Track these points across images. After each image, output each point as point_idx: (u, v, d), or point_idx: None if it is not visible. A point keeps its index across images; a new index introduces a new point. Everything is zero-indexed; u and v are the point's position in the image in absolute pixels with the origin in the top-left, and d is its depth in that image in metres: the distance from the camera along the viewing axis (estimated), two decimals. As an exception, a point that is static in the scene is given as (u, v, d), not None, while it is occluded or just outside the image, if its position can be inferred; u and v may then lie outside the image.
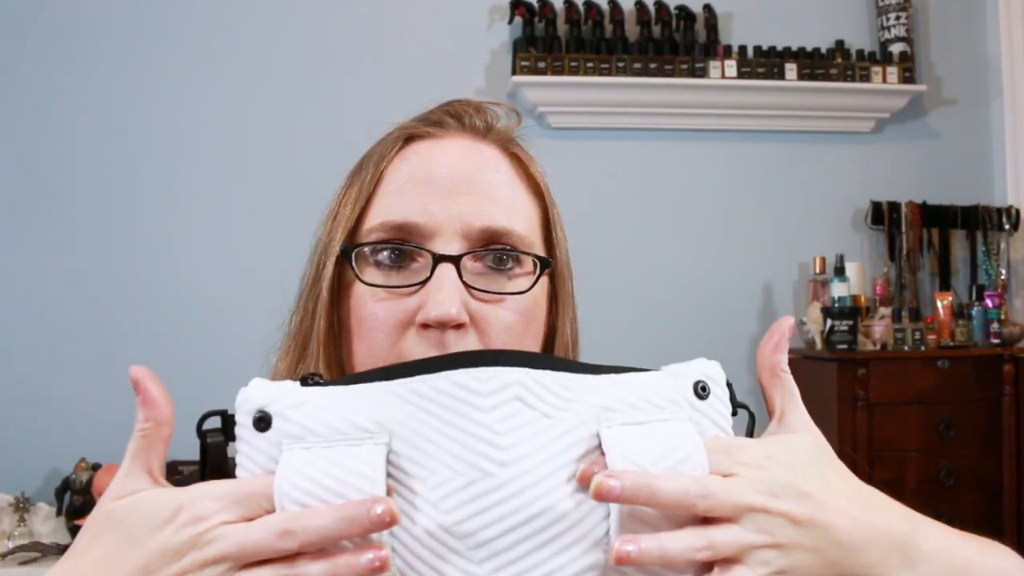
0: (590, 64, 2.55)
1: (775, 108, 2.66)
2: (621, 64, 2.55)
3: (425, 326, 0.58)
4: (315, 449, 0.44)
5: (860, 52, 2.69)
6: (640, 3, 2.60)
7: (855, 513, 0.47)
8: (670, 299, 2.64)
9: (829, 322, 2.41)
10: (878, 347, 2.43)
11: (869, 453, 2.31)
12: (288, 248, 2.90)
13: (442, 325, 0.58)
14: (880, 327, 2.45)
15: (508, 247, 0.62)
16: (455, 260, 0.60)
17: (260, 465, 0.45)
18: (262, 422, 0.46)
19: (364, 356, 0.61)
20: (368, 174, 0.64)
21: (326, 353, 0.63)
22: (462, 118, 0.67)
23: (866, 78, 2.65)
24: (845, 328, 2.39)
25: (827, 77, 2.63)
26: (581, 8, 2.59)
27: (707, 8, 2.65)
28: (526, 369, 0.46)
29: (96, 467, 2.23)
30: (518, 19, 2.58)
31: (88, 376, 2.40)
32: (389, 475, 0.45)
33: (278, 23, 2.58)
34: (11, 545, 2.14)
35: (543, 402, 0.46)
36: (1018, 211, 2.70)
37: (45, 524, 2.26)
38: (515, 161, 0.67)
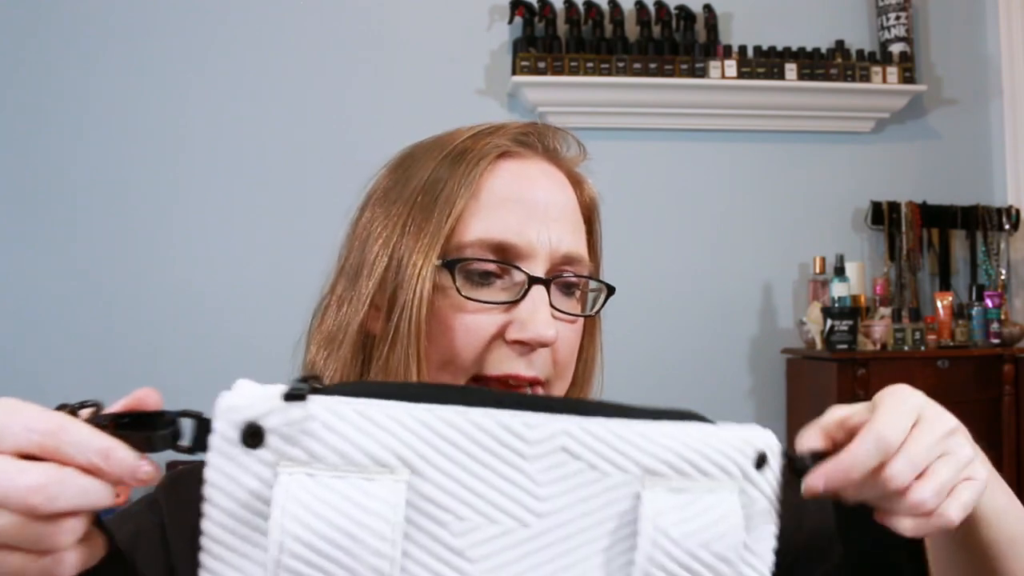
0: (590, 64, 2.55)
1: (775, 108, 2.66)
2: (621, 64, 2.56)
3: (517, 342, 0.62)
4: (320, 478, 0.39)
5: (860, 52, 2.69)
6: (640, 3, 2.61)
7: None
8: (670, 299, 2.64)
9: (829, 322, 2.41)
10: (878, 347, 2.43)
11: (869, 453, 2.30)
12: (288, 247, 2.88)
13: (541, 345, 0.62)
14: (880, 327, 2.45)
15: (577, 273, 0.67)
16: (547, 283, 0.64)
17: (244, 487, 0.39)
18: (253, 438, 0.39)
19: (442, 361, 0.63)
20: (456, 187, 0.65)
21: (417, 354, 0.62)
22: (544, 141, 0.71)
23: (866, 78, 2.65)
24: (845, 328, 2.39)
25: (827, 77, 2.63)
26: (581, 8, 2.59)
27: (707, 8, 2.65)
28: (577, 418, 0.44)
29: (96, 467, 2.23)
30: (518, 19, 2.58)
31: (88, 376, 2.40)
32: (407, 518, 0.40)
33: (278, 23, 2.58)
34: (11, 545, 2.14)
35: (591, 452, 0.44)
36: (1018, 211, 2.71)
37: (45, 524, 2.26)
38: (579, 191, 0.72)
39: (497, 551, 0.42)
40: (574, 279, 0.67)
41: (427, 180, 0.66)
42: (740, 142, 2.70)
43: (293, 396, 0.39)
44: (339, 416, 0.40)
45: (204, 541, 0.39)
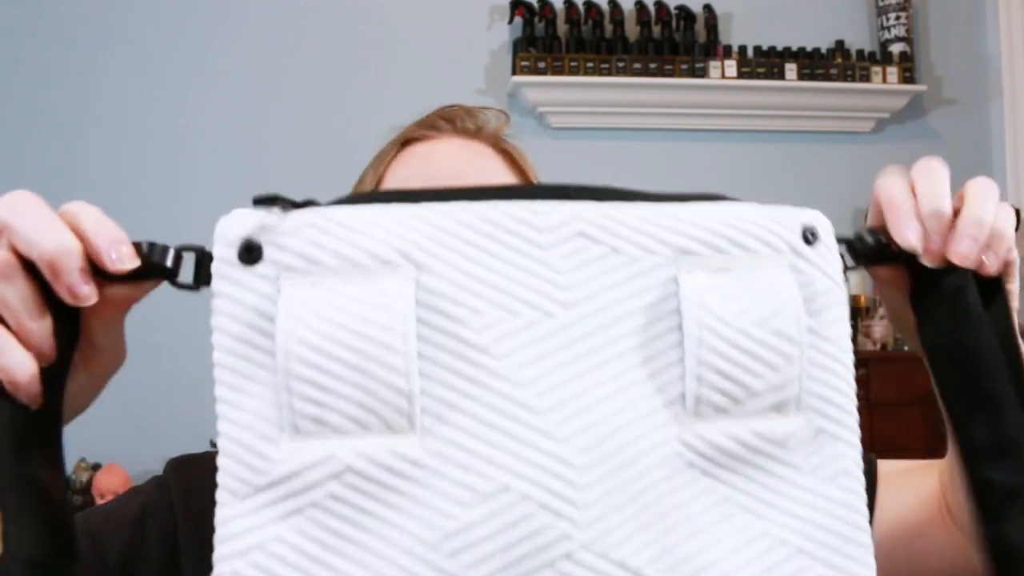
0: (590, 64, 2.55)
1: (775, 108, 2.66)
2: (621, 64, 2.55)
3: None
4: (324, 284, 0.37)
5: (860, 52, 2.69)
6: (640, 3, 2.60)
7: None
8: (670, 299, 2.64)
9: (829, 322, 2.41)
10: (878, 347, 2.43)
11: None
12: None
13: None
14: (880, 327, 2.45)
15: None
16: None
17: (248, 306, 0.37)
18: (250, 252, 0.37)
19: None
20: (368, 179, 0.69)
21: None
22: (454, 121, 0.71)
23: (866, 78, 2.65)
24: (845, 328, 2.40)
25: (827, 77, 2.63)
26: (581, 8, 2.59)
27: (707, 8, 2.65)
28: (591, 202, 0.40)
29: (96, 467, 2.23)
30: (518, 19, 2.58)
31: (88, 376, 2.40)
32: (420, 318, 0.37)
33: (278, 23, 2.58)
34: (11, 545, 2.14)
35: (612, 235, 0.40)
36: (1018, 211, 2.69)
37: (45, 524, 2.26)
38: (506, 156, 0.71)
39: (524, 345, 0.38)
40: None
41: (358, 180, 0.71)
42: (740, 142, 2.70)
43: (280, 204, 0.38)
44: (336, 221, 0.38)
45: (216, 371, 0.38)
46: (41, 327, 0.37)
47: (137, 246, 0.40)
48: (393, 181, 0.68)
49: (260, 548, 0.36)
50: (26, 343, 0.37)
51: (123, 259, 0.38)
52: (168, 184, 2.51)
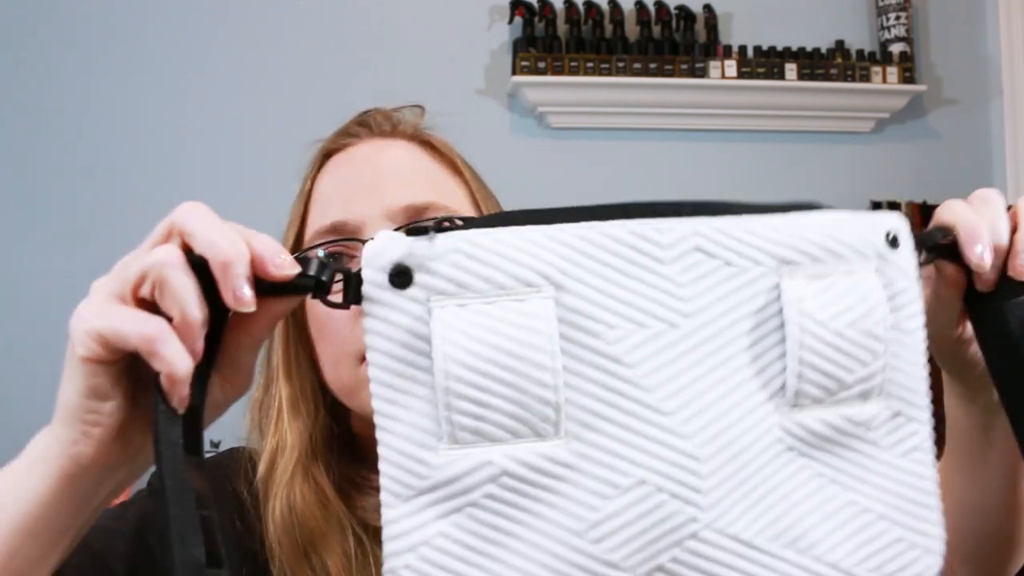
0: (590, 64, 2.55)
1: (775, 108, 2.66)
2: (621, 64, 2.56)
3: None
4: (472, 305, 0.40)
5: (860, 52, 2.69)
6: (640, 3, 2.61)
7: None
8: (670, 299, 2.64)
9: (829, 322, 2.41)
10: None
11: (869, 453, 2.30)
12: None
13: None
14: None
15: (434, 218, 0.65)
16: None
17: (401, 327, 0.40)
18: (401, 276, 0.40)
19: (329, 355, 0.65)
20: (299, 196, 0.71)
21: (285, 362, 0.67)
22: (370, 125, 0.73)
23: (866, 78, 2.65)
24: (845, 328, 2.40)
25: (827, 77, 2.63)
26: (581, 8, 2.59)
27: (707, 8, 2.65)
28: (706, 218, 0.44)
29: (96, 467, 2.23)
30: (518, 19, 2.58)
31: (88, 376, 2.39)
32: (561, 333, 0.41)
33: (278, 23, 2.58)
34: (11, 545, 2.14)
35: (725, 249, 0.44)
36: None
37: (45, 524, 2.26)
38: (429, 148, 0.72)
39: (653, 354, 0.42)
40: (424, 223, 0.65)
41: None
42: (740, 142, 2.70)
43: (426, 232, 0.41)
44: (478, 245, 0.41)
45: (373, 387, 0.40)
46: (199, 323, 0.39)
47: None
48: (319, 192, 0.69)
49: (427, 544, 0.40)
50: (183, 336, 0.39)
51: (285, 266, 0.40)
52: (168, 184, 2.51)
